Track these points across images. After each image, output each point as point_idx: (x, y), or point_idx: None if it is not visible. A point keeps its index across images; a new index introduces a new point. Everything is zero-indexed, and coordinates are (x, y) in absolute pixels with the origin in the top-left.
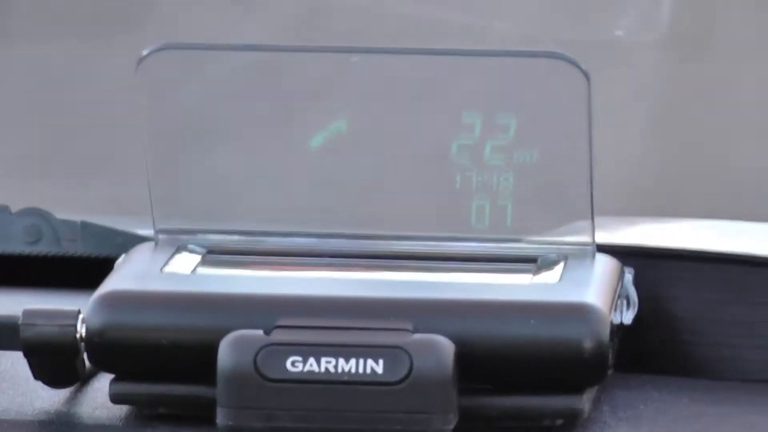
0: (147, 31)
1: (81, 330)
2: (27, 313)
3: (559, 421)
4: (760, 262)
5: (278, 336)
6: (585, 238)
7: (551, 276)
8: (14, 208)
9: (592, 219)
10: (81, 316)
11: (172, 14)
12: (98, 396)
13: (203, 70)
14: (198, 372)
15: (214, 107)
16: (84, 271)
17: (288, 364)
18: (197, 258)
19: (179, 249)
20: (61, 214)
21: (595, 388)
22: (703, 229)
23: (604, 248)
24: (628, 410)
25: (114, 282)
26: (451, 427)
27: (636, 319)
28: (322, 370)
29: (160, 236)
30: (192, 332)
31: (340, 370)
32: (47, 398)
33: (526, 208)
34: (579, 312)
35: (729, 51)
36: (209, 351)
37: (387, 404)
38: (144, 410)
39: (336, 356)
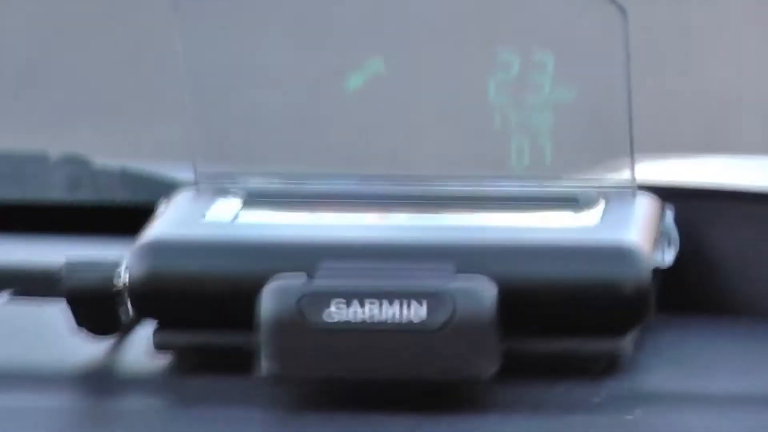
0: None
1: (124, 278)
2: (69, 263)
3: (602, 363)
4: None
5: (320, 281)
6: (625, 177)
7: (592, 216)
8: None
9: (632, 157)
10: (123, 265)
11: None
12: (141, 345)
13: (240, 11)
14: (242, 319)
15: (250, 50)
16: (125, 217)
17: (331, 310)
18: (238, 203)
19: (220, 194)
20: (100, 160)
21: (638, 329)
22: (743, 166)
23: (644, 187)
24: (670, 351)
25: (156, 229)
26: (493, 371)
27: (677, 258)
28: (365, 315)
29: (201, 181)
30: (235, 279)
31: (383, 314)
32: (89, 348)
33: (565, 147)
34: (620, 253)
35: None
36: (252, 298)
37: (429, 348)
38: (187, 359)
39: (379, 300)
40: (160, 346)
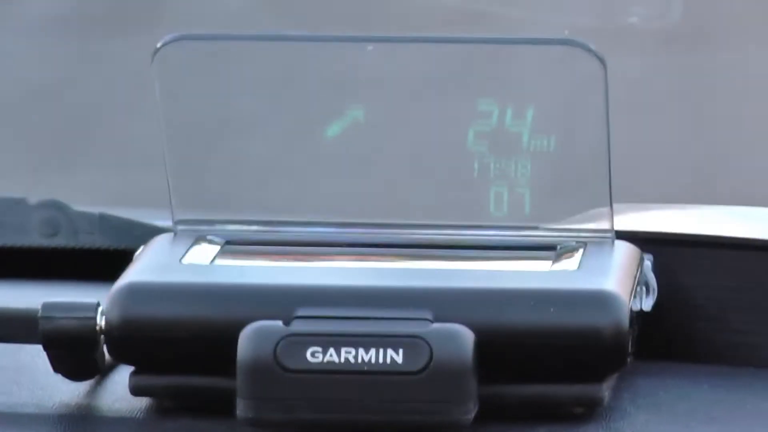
0: None
1: (100, 322)
2: (46, 306)
3: (579, 409)
4: None
5: (298, 326)
6: (604, 225)
7: (570, 263)
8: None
9: (611, 206)
10: (100, 309)
11: None
12: (118, 388)
13: (219, 60)
14: (218, 363)
15: (230, 97)
16: (102, 263)
17: (308, 355)
18: (216, 249)
19: (198, 240)
20: (78, 205)
21: (615, 375)
22: (721, 216)
23: (623, 235)
24: (647, 397)
25: (133, 274)
26: (472, 416)
27: (655, 305)
28: (342, 360)
29: (179, 227)
30: (212, 324)
31: (360, 360)
32: (67, 391)
33: (544, 195)
34: (598, 300)
35: None
36: (229, 342)
37: (407, 394)
38: (164, 402)
39: (356, 346)
40: (136, 389)
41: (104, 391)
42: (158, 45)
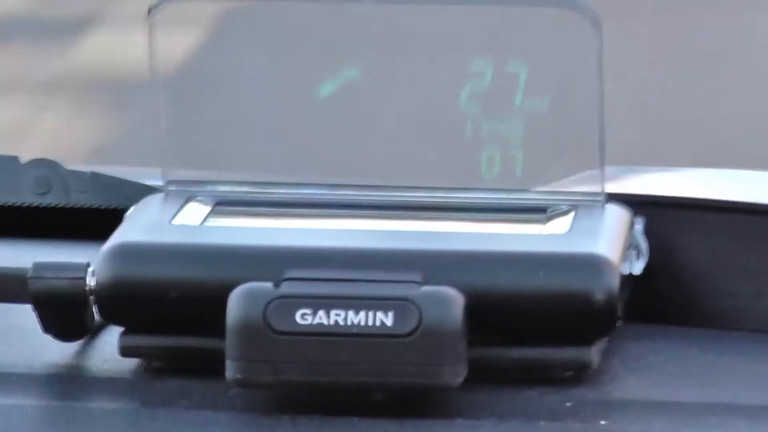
0: None
1: (90, 282)
2: (36, 266)
3: (569, 373)
4: None
5: (287, 288)
6: (595, 188)
7: (561, 226)
8: (23, 157)
9: (603, 168)
10: (90, 269)
11: None
12: (107, 349)
13: (213, 20)
14: (208, 324)
15: (223, 57)
16: (94, 222)
17: (297, 317)
18: (207, 209)
19: (189, 200)
20: (70, 164)
21: (605, 339)
22: (712, 178)
23: (614, 198)
24: (637, 361)
25: (123, 234)
26: (461, 379)
27: (646, 269)
28: (332, 322)
29: (170, 187)
30: (201, 284)
31: (349, 322)
32: (56, 351)
33: (536, 157)
34: (589, 263)
35: None
36: (219, 303)
37: (396, 356)
38: (153, 363)
39: (345, 308)
40: (126, 350)
41: (94, 351)
42: (152, 4)
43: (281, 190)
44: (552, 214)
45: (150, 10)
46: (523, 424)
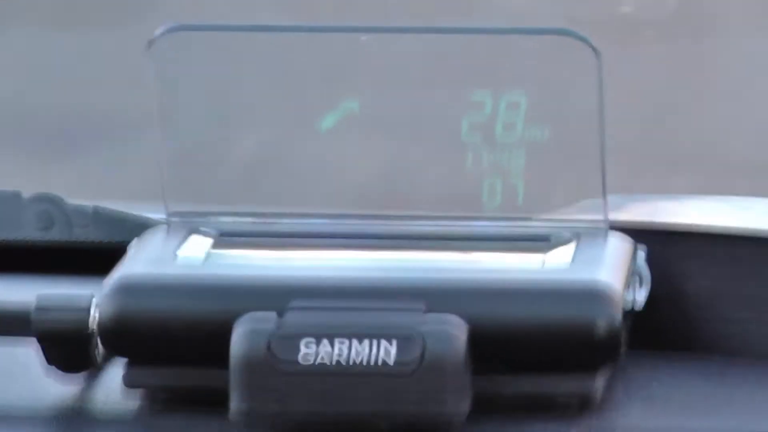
0: None
1: (94, 315)
2: (40, 300)
3: (573, 402)
4: None
5: (291, 320)
6: (597, 216)
7: (564, 255)
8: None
9: (605, 197)
10: (94, 302)
11: None
12: (112, 382)
13: (214, 51)
14: (213, 356)
15: (224, 89)
16: (97, 257)
17: (301, 347)
18: (210, 241)
19: (192, 232)
20: (73, 199)
21: (609, 368)
22: (714, 206)
23: (616, 226)
24: (641, 390)
25: (127, 267)
26: (466, 409)
27: (649, 297)
28: (336, 354)
29: (173, 220)
30: (206, 316)
31: (353, 354)
32: (61, 385)
33: (537, 186)
34: (592, 292)
35: None
36: (224, 335)
37: (400, 388)
38: (158, 395)
39: (349, 338)
40: (131, 383)
41: (98, 383)
42: (154, 35)
43: (284, 221)
44: (554, 243)
45: (150, 42)
46: None
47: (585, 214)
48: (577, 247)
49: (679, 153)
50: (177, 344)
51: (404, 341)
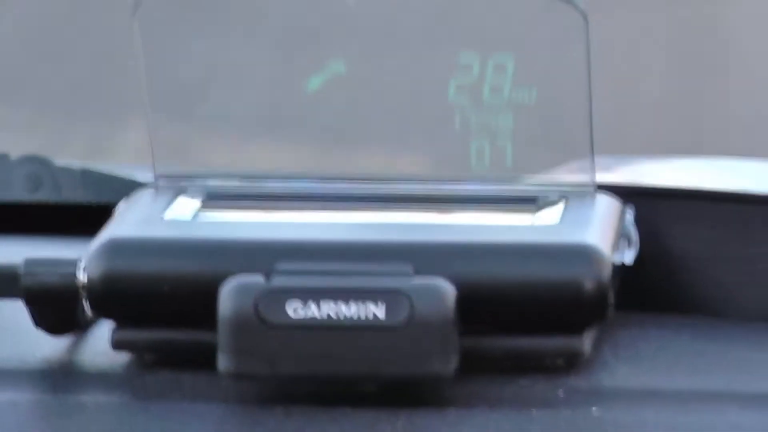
0: None
1: (82, 277)
2: (28, 262)
3: (560, 361)
4: (759, 199)
5: (278, 281)
6: (585, 178)
7: (552, 216)
8: (14, 155)
9: (593, 158)
10: (81, 264)
11: None
12: (99, 343)
13: (200, 14)
14: (200, 318)
15: (210, 52)
16: (84, 217)
17: (289, 309)
18: (197, 203)
19: (179, 194)
20: (61, 160)
21: (596, 327)
22: (701, 167)
23: (604, 187)
24: (628, 349)
25: (114, 229)
26: (453, 368)
27: (636, 258)
28: (323, 314)
29: (160, 182)
30: (193, 278)
31: (341, 314)
32: (48, 346)
33: (525, 148)
34: (579, 253)
35: None
36: (211, 296)
37: (388, 347)
38: (145, 357)
39: (336, 300)
40: (118, 344)
41: (86, 345)
42: None
43: (271, 183)
44: (542, 204)
45: (136, 4)
46: (515, 413)
47: (573, 176)
48: (565, 208)
49: None
50: (164, 306)
51: (392, 301)
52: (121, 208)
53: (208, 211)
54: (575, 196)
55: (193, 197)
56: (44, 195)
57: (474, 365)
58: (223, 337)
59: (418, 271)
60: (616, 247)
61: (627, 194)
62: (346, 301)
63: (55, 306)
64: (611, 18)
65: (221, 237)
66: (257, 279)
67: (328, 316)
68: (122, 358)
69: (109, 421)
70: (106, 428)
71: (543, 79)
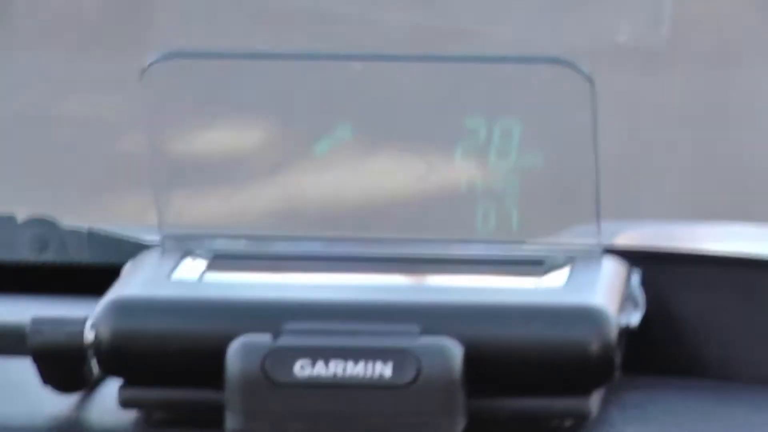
0: None
1: (89, 336)
2: (35, 321)
3: (568, 422)
4: (766, 264)
5: (286, 340)
6: (592, 241)
7: (558, 278)
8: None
9: (599, 221)
10: (89, 323)
11: None
12: (107, 401)
13: (208, 77)
14: (207, 377)
15: (218, 114)
16: (91, 279)
17: (296, 368)
18: (204, 263)
19: (186, 254)
20: (67, 221)
21: (603, 389)
22: (709, 232)
23: (611, 250)
24: (636, 410)
25: (121, 288)
26: (460, 429)
27: (644, 321)
28: (330, 373)
29: (167, 242)
30: (200, 338)
31: (348, 373)
32: (56, 404)
33: (532, 211)
34: (586, 314)
35: None
36: (218, 356)
37: (395, 407)
38: (153, 415)
39: (344, 359)
40: (126, 402)
41: (93, 403)
42: (148, 62)
43: (278, 244)
44: (549, 266)
45: (143, 69)
46: None
47: (579, 239)
48: (571, 270)
49: None
50: (172, 365)
51: (399, 360)
52: (128, 269)
53: (215, 271)
54: (582, 259)
55: (199, 258)
56: (51, 256)
57: (481, 427)
58: (230, 396)
59: (425, 331)
60: (622, 309)
61: (634, 257)
62: (354, 360)
63: (63, 364)
64: None
65: (228, 297)
66: (264, 338)
67: (335, 375)
68: (130, 416)
69: None
70: None
71: (550, 144)
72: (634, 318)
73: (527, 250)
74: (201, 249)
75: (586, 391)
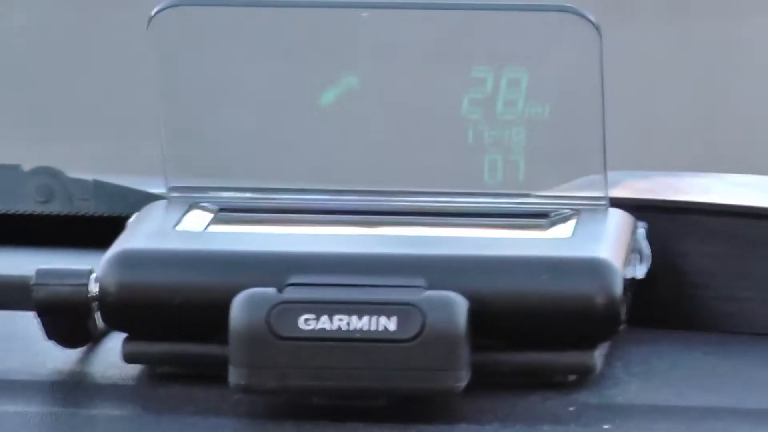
0: None
1: (93, 289)
2: (39, 273)
3: (572, 377)
4: None
5: (290, 294)
6: (598, 193)
7: (564, 231)
8: (26, 166)
9: (605, 173)
10: (93, 275)
11: None
12: (110, 355)
13: (214, 27)
14: (211, 331)
15: (224, 64)
16: (96, 229)
17: (300, 322)
18: (209, 215)
19: (191, 207)
20: (72, 172)
21: (608, 343)
22: (713, 183)
23: (617, 202)
24: (640, 365)
25: (126, 241)
26: (464, 383)
27: (649, 273)
28: (335, 327)
29: (172, 194)
30: (205, 291)
31: (352, 327)
32: (60, 358)
33: (538, 162)
34: (591, 267)
35: None
36: (222, 309)
37: (400, 361)
38: (156, 369)
39: (348, 313)
40: (129, 356)
41: (97, 357)
42: (153, 12)
43: (284, 197)
44: (555, 219)
45: (151, 18)
46: (526, 429)
47: (585, 191)
48: (577, 223)
49: None
50: (176, 318)
51: (404, 315)
52: (134, 221)
53: (221, 223)
54: (588, 211)
55: (205, 210)
56: (56, 207)
57: (485, 380)
58: (234, 350)
59: (430, 285)
60: (628, 261)
61: (639, 209)
62: (358, 314)
63: (67, 318)
64: None
65: (233, 249)
66: (269, 291)
67: (339, 328)
68: (134, 370)
69: None
70: None
71: (556, 94)
72: (640, 270)
73: (533, 202)
74: (206, 202)
75: (590, 345)
